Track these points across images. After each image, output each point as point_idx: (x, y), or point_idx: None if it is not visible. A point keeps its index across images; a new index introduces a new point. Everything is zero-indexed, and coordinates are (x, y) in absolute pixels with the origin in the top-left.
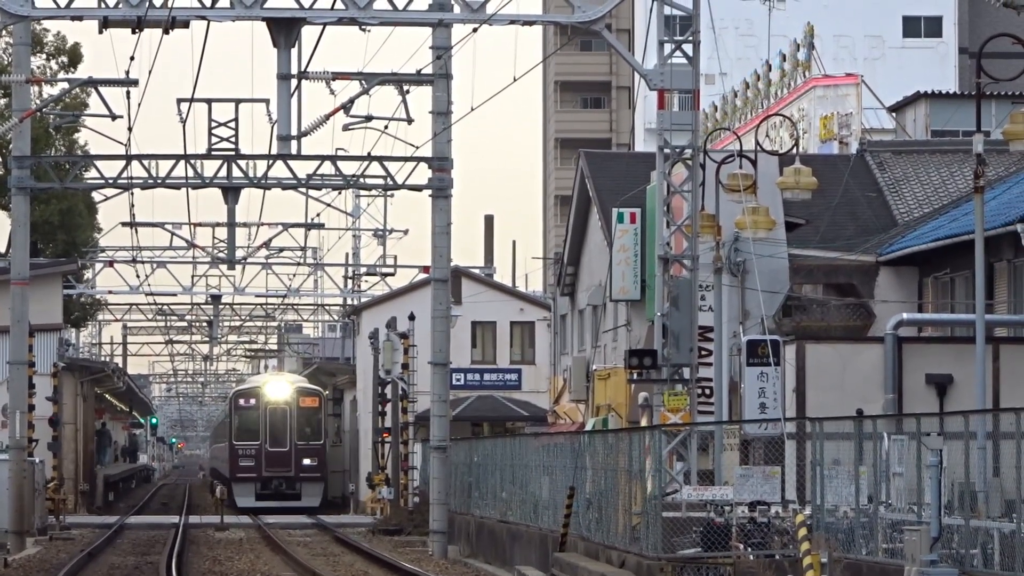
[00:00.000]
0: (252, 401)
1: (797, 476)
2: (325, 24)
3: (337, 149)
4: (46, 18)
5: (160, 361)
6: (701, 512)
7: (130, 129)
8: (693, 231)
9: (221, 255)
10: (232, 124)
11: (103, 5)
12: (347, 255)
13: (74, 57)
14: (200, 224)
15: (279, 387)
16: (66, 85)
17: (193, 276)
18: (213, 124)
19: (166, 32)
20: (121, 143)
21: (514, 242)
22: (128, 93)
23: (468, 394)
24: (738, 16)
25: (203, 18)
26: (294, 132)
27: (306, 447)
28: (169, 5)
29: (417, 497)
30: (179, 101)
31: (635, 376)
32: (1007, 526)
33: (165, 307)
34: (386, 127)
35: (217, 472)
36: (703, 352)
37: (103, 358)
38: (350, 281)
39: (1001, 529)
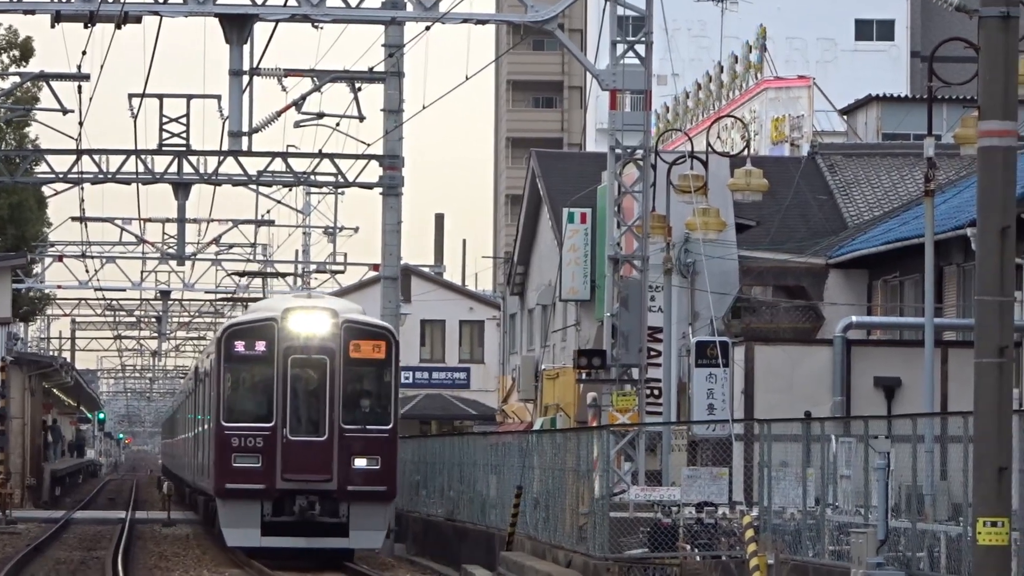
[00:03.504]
0: (261, 346)
1: (744, 477)
2: (278, 21)
3: (288, 146)
4: None
5: (108, 356)
6: (648, 513)
7: (81, 124)
8: (644, 232)
9: (171, 251)
10: (183, 120)
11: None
12: (297, 252)
13: (26, 51)
14: (150, 220)
15: (314, 319)
16: (17, 79)
17: (142, 271)
18: (164, 120)
19: (118, 27)
20: (72, 138)
21: (464, 241)
22: (80, 88)
23: (416, 392)
24: (691, 17)
25: (156, 13)
26: (245, 128)
27: (362, 435)
28: (122, 0)
29: None
30: (130, 96)
31: (584, 376)
32: (954, 529)
33: (114, 302)
34: (337, 124)
35: (171, 472)
36: (652, 353)
37: (51, 353)
38: (299, 279)
39: (948, 532)
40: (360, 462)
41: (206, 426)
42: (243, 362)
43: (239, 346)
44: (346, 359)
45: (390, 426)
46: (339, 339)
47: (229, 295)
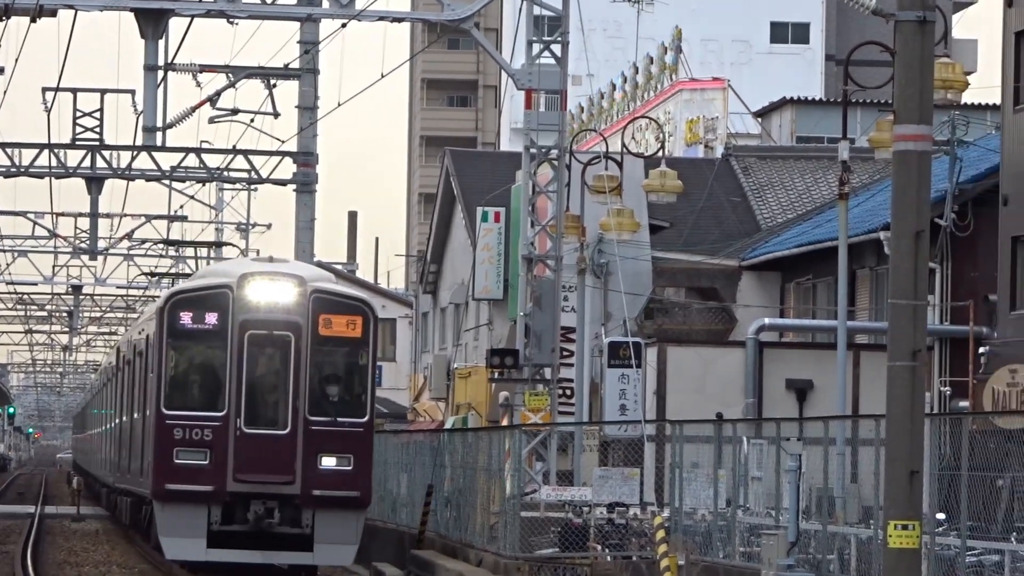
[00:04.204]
0: (212, 319)
1: (656, 478)
2: (193, 16)
3: (202, 142)
4: None
5: (19, 350)
6: (559, 512)
7: None
8: (558, 232)
9: (83, 245)
10: (97, 114)
11: None
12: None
13: None
14: (63, 214)
15: (276, 288)
16: None
17: (54, 266)
18: (78, 114)
19: (33, 20)
20: None
21: (377, 239)
22: None
23: None
24: (607, 18)
25: (71, 7)
26: (160, 124)
27: (331, 429)
28: None
29: None
30: (44, 90)
31: (496, 375)
32: (864, 532)
33: (25, 296)
34: (252, 121)
35: (84, 470)
36: (565, 353)
37: None
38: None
39: (858, 535)
40: (328, 461)
41: (137, 415)
42: (189, 338)
43: (185, 318)
44: (315, 336)
45: (365, 419)
46: (307, 312)
47: (142, 290)
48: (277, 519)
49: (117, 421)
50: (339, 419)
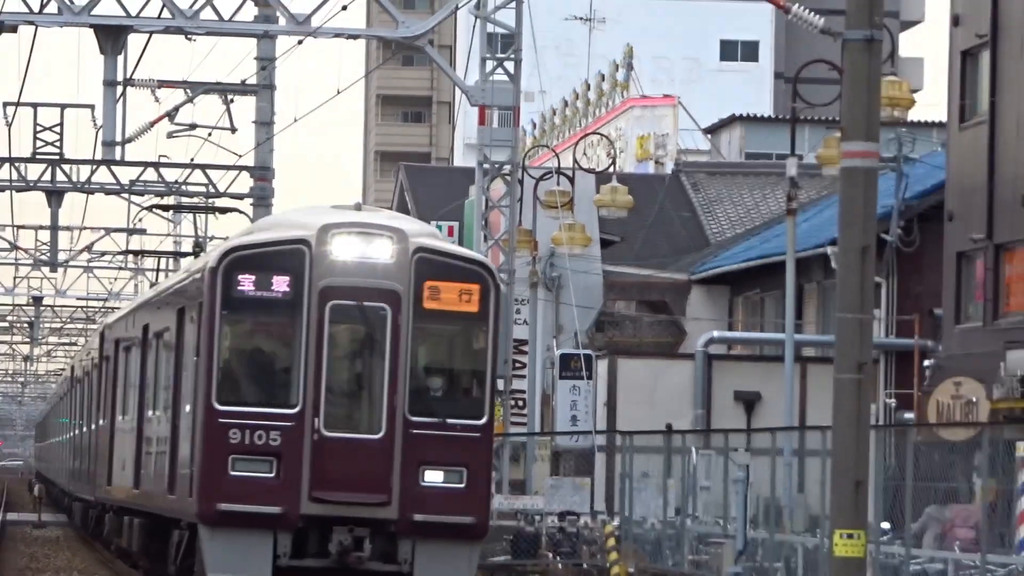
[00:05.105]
0: (282, 284)
1: (606, 488)
2: (151, 32)
3: (160, 156)
4: None
5: None
6: (512, 521)
7: None
8: (510, 246)
9: (44, 258)
10: (57, 129)
11: None
12: (167, 261)
13: None
14: (23, 226)
15: (369, 244)
16: None
17: (15, 277)
18: (38, 128)
19: None
20: None
21: None
22: None
23: None
24: (559, 36)
25: (31, 23)
26: (119, 138)
27: (439, 434)
28: None
29: None
30: (4, 104)
31: None
32: (811, 541)
33: None
34: (209, 135)
35: (45, 478)
36: (517, 364)
37: None
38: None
39: (804, 543)
40: (434, 476)
41: (154, 413)
42: (251, 309)
43: (245, 283)
44: (418, 310)
45: (482, 420)
46: (408, 277)
47: (101, 301)
48: (368, 552)
49: (81, 429)
50: (449, 420)
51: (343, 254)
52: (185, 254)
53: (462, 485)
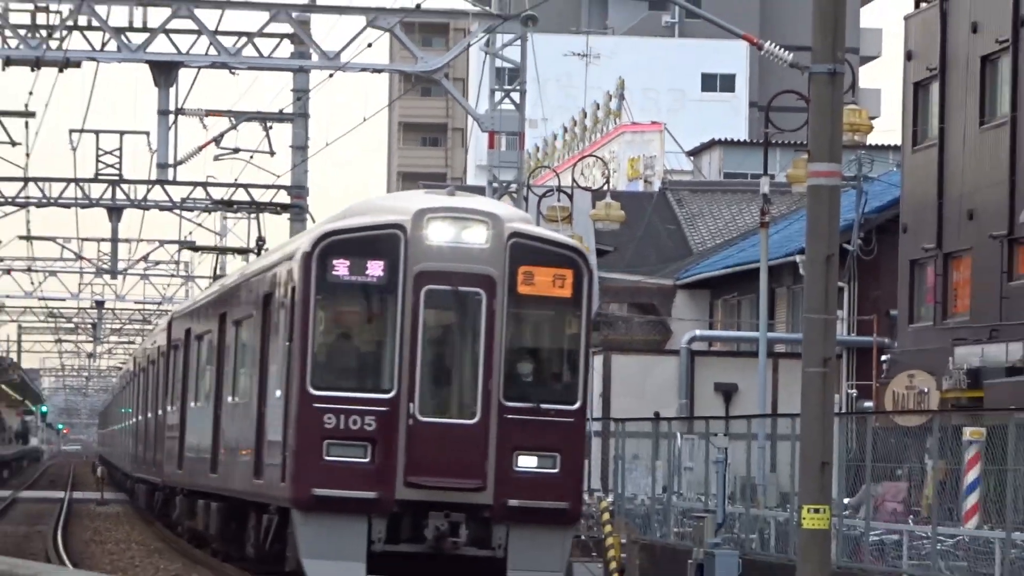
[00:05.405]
0: (376, 268)
1: (602, 468)
2: (200, 67)
3: (208, 176)
4: None
5: (50, 357)
6: None
7: (28, 155)
8: None
9: (105, 266)
10: (117, 153)
11: (6, 46)
12: (214, 269)
13: None
14: (87, 239)
15: (464, 229)
16: None
17: (80, 284)
18: (100, 152)
19: (61, 71)
20: (20, 167)
21: None
22: (27, 123)
23: None
24: (559, 70)
25: (93, 59)
26: (171, 161)
27: (533, 419)
28: (64, 47)
29: None
30: (71, 131)
31: None
32: (781, 515)
33: (55, 310)
34: (251, 158)
35: (108, 461)
36: None
37: (0, 354)
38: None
39: (776, 517)
40: (527, 461)
41: (233, 399)
42: (345, 294)
43: (340, 267)
44: (513, 295)
45: (576, 405)
46: (503, 262)
47: (156, 305)
48: (464, 537)
49: (145, 416)
50: (543, 405)
51: (438, 239)
52: (244, 251)
53: (556, 470)
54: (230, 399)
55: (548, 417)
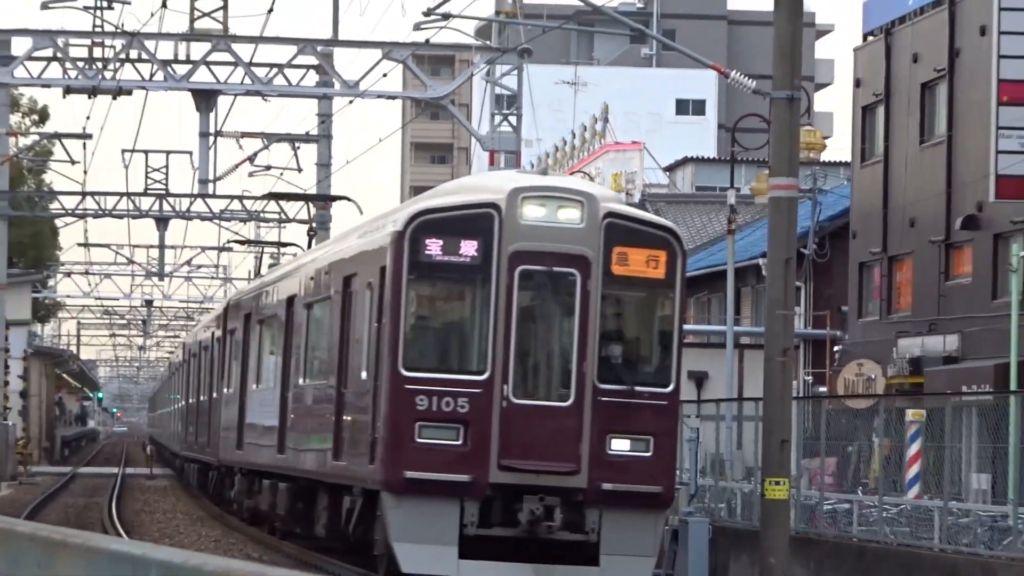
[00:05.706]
0: (470, 248)
1: None
2: (236, 95)
3: (243, 190)
4: (23, 85)
5: (105, 349)
6: None
7: (85, 172)
8: None
9: (153, 270)
10: (163, 170)
11: (66, 76)
12: (249, 272)
13: (43, 115)
14: (137, 246)
15: (559, 209)
16: (37, 137)
17: (132, 285)
18: (149, 169)
19: (114, 98)
20: (78, 182)
21: None
22: (84, 144)
23: None
24: (551, 96)
25: (143, 88)
26: (211, 177)
27: (627, 402)
28: (117, 78)
29: None
30: (123, 151)
31: None
32: (746, 486)
33: (110, 308)
34: (281, 174)
35: (157, 441)
36: None
37: (61, 347)
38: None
39: (742, 489)
40: (620, 445)
41: (305, 380)
42: (438, 274)
43: (433, 246)
44: (607, 276)
45: (669, 388)
46: (598, 243)
47: (198, 304)
48: (558, 521)
49: (198, 398)
50: (637, 388)
51: (533, 218)
52: (287, 244)
53: (649, 454)
54: (301, 381)
55: (642, 400)
